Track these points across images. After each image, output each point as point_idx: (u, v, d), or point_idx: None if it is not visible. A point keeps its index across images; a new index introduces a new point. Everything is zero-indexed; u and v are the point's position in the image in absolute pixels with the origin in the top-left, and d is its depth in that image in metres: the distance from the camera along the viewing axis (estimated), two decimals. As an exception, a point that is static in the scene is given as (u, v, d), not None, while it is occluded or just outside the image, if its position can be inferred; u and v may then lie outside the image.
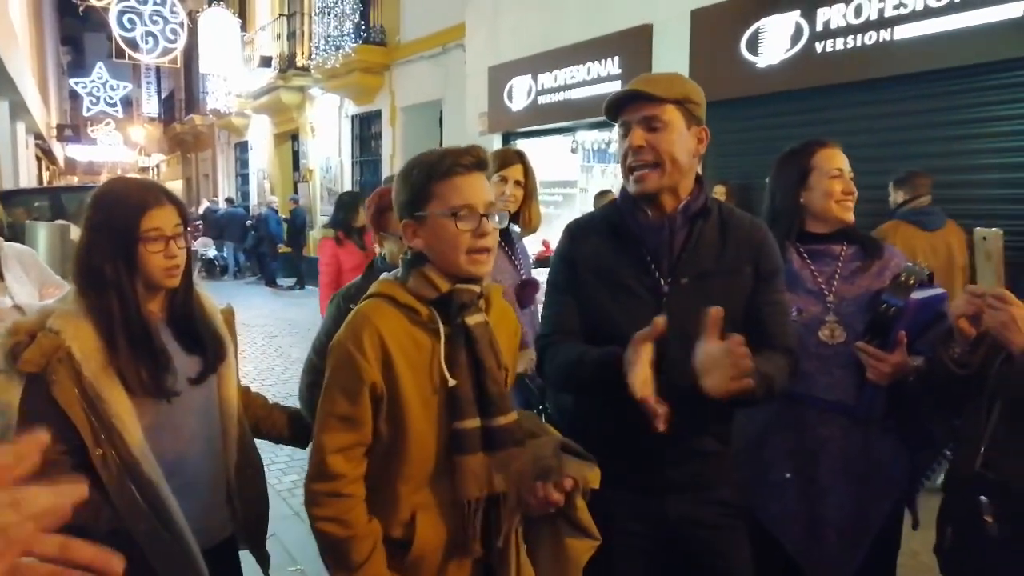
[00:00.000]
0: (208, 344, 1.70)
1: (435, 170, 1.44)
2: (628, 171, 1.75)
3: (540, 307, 2.89)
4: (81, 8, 18.55)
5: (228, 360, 1.77)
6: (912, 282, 1.90)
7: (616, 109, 1.75)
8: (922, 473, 2.09)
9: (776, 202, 2.14)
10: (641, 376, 1.49)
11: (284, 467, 4.76)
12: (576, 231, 1.89)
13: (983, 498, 1.57)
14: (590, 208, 8.27)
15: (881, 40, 4.97)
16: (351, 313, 1.48)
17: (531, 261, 3.07)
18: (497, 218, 1.50)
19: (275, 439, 2.00)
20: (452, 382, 1.44)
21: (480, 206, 1.44)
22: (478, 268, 1.46)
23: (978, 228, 1.67)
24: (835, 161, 2.05)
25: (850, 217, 2.05)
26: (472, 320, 1.48)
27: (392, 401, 1.43)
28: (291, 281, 14.58)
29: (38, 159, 19.59)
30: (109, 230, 1.52)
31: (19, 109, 11.90)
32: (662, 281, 1.71)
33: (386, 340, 1.41)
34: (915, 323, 1.91)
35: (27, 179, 14.42)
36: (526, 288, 2.75)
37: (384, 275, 1.56)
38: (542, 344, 1.87)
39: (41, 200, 9.77)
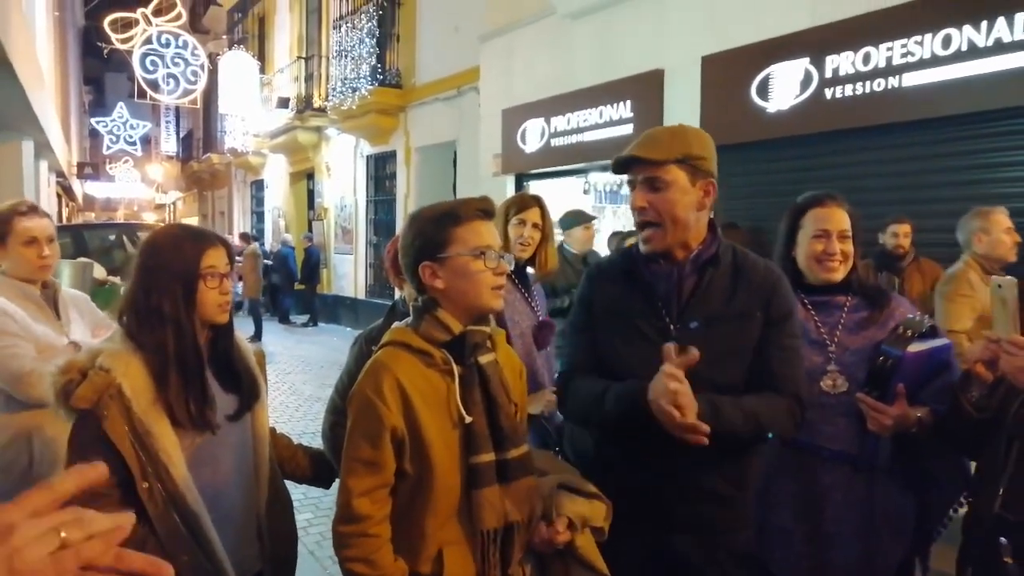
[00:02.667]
0: (244, 383, 1.78)
1: (455, 217, 1.57)
2: (637, 227, 1.84)
3: (555, 348, 2.96)
4: (105, 51, 19.04)
5: (261, 399, 1.84)
6: (910, 334, 1.92)
7: (622, 166, 1.83)
8: (938, 522, 2.10)
9: (776, 254, 2.21)
10: (673, 401, 1.55)
11: (298, 505, 4.78)
12: (595, 275, 1.99)
13: (1003, 539, 1.60)
14: (602, 249, 8.37)
15: (890, 87, 5.07)
16: (369, 362, 1.58)
17: (546, 302, 3.13)
18: (504, 258, 1.62)
19: (299, 479, 2.06)
20: (468, 419, 1.53)
21: (496, 247, 1.58)
22: (497, 302, 1.59)
23: (994, 276, 1.73)
24: (822, 221, 2.07)
25: (833, 278, 2.06)
26: (484, 359, 1.59)
27: (415, 441, 1.51)
28: (304, 318, 14.68)
29: (59, 196, 19.93)
30: (170, 269, 1.63)
31: (43, 148, 12.15)
32: (671, 325, 1.77)
33: (404, 385, 1.50)
34: (917, 374, 1.93)
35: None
36: (543, 330, 2.81)
37: (396, 324, 1.66)
38: (563, 380, 1.96)
39: (64, 238, 10.00)
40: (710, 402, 1.63)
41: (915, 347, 1.90)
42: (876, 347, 1.98)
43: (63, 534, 0.60)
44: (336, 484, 1.65)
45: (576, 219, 5.18)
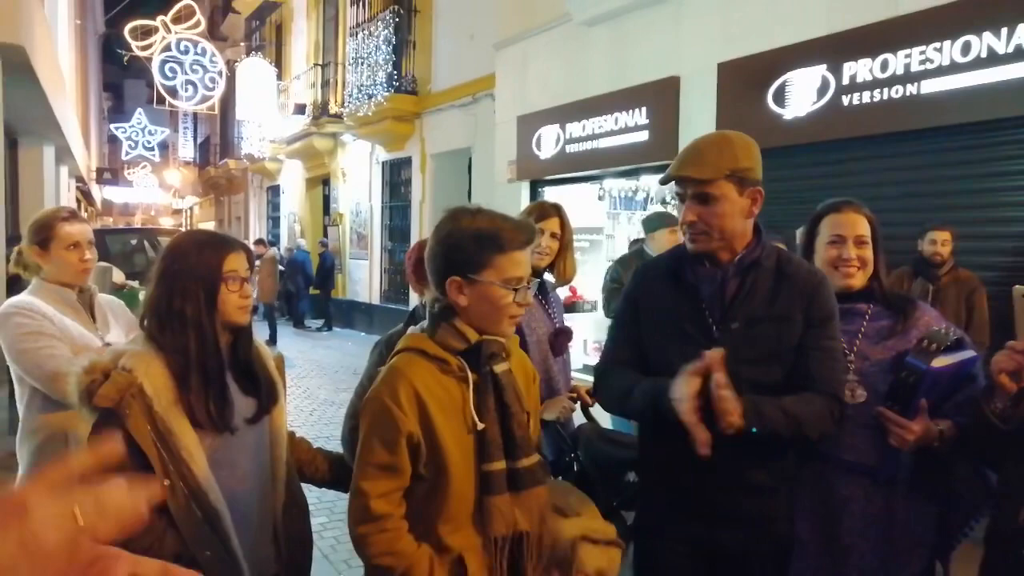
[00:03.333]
0: (263, 386, 1.80)
1: (499, 244, 1.54)
2: (684, 235, 1.86)
3: (571, 355, 2.96)
4: (125, 58, 19.27)
5: (280, 403, 1.86)
6: (935, 347, 1.87)
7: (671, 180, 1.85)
8: (958, 531, 2.07)
9: None
10: (689, 402, 1.59)
11: (312, 509, 4.80)
12: (643, 274, 2.03)
13: None
14: (617, 253, 8.36)
15: (908, 94, 5.04)
16: (385, 367, 1.60)
17: (563, 309, 3.13)
18: (530, 289, 1.63)
19: (317, 483, 2.07)
20: (481, 425, 1.54)
21: (526, 278, 1.58)
22: (510, 330, 1.61)
23: (1017, 286, 1.71)
24: (838, 227, 2.05)
25: (850, 283, 2.03)
26: (499, 368, 1.60)
27: (430, 447, 1.52)
28: (319, 323, 14.75)
29: (78, 201, 20.16)
30: (192, 273, 1.66)
31: (63, 153, 12.32)
32: (714, 326, 1.81)
33: (420, 391, 1.51)
34: (941, 387, 1.89)
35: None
36: (559, 337, 2.81)
37: (412, 329, 1.67)
38: (600, 371, 2.02)
39: None
40: (752, 403, 1.65)
41: (940, 361, 1.86)
42: (898, 358, 1.95)
43: (79, 515, 0.58)
44: None
45: (661, 221, 4.89)
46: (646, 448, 2.02)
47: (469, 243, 1.56)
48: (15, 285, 2.58)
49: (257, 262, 12.44)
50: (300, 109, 15.79)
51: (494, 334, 1.59)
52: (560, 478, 2.60)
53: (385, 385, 1.54)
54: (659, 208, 8.14)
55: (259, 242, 13.62)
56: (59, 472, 0.61)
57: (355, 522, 1.54)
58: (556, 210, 2.88)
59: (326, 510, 4.85)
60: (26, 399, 2.44)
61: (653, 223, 4.93)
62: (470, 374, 1.57)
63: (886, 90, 5.17)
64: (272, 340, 12.48)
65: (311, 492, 2.07)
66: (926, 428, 1.84)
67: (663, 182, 1.89)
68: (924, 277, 4.71)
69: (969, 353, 1.95)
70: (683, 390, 1.61)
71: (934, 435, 1.86)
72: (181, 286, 1.65)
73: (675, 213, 4.22)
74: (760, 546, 1.86)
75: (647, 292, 1.95)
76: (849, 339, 2.03)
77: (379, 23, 12.30)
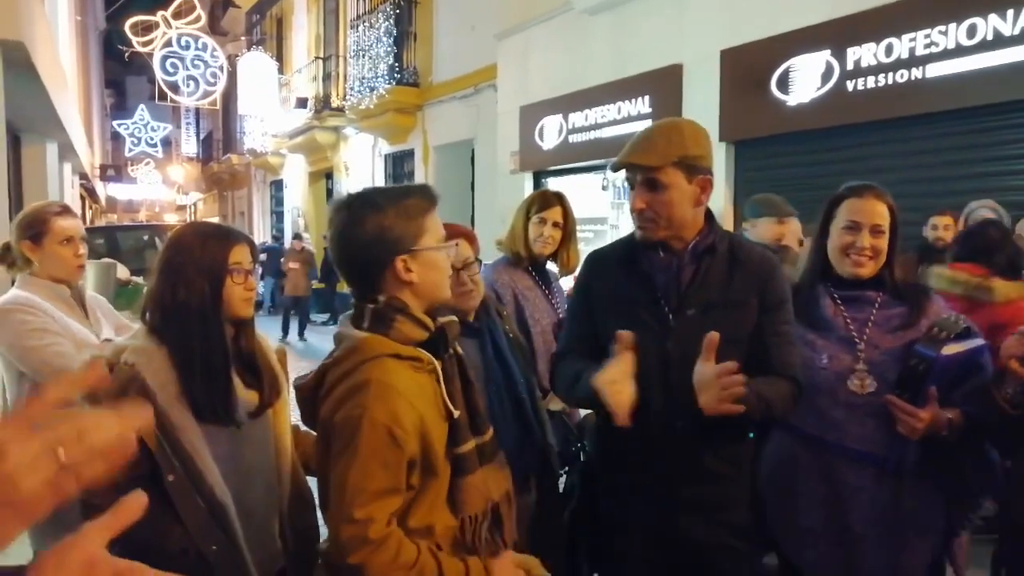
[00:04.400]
0: (266, 380, 1.79)
1: (419, 207, 1.50)
2: (633, 218, 1.88)
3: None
4: (127, 54, 19.26)
5: (283, 397, 1.85)
6: (945, 335, 1.86)
7: (620, 167, 1.87)
8: (963, 519, 2.06)
9: (812, 246, 2.19)
10: (607, 376, 1.64)
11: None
12: (594, 262, 2.03)
13: None
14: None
15: (912, 78, 5.01)
16: (362, 379, 1.42)
17: (567, 299, 3.11)
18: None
19: None
20: (457, 413, 1.50)
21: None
22: (455, 295, 1.62)
23: None
24: (855, 213, 2.00)
25: (860, 272, 1.99)
26: (459, 349, 1.60)
27: (425, 459, 1.45)
28: (324, 316, 14.76)
29: (82, 198, 20.18)
30: (197, 265, 1.65)
31: (67, 150, 12.32)
32: (669, 314, 1.82)
33: (416, 404, 1.42)
34: (950, 375, 1.88)
35: (72, 218, 14.82)
36: (564, 327, 2.80)
37: (359, 334, 1.49)
38: (555, 361, 2.04)
39: (98, 238, 10.69)
40: (761, 398, 1.69)
41: (950, 348, 1.85)
42: (908, 348, 1.93)
43: (61, 453, 0.52)
44: None
45: (765, 208, 4.31)
46: (605, 442, 2.02)
47: (397, 219, 1.47)
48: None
49: (290, 263, 12.52)
50: (302, 103, 15.76)
51: (444, 302, 1.57)
52: (567, 468, 2.59)
53: (381, 404, 1.39)
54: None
55: (296, 237, 13.56)
56: (37, 407, 0.55)
57: (350, 552, 1.37)
58: (559, 199, 2.87)
59: (333, 503, 4.85)
60: (19, 395, 2.38)
61: (757, 210, 4.42)
62: (436, 363, 1.51)
63: (891, 74, 5.13)
64: (300, 334, 12.59)
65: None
66: (935, 416, 1.83)
67: (614, 169, 1.90)
68: (928, 263, 4.68)
69: (978, 341, 1.93)
70: (608, 374, 1.64)
71: (943, 423, 1.84)
72: (186, 278, 1.64)
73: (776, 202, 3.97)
74: (719, 536, 1.85)
75: (600, 281, 1.95)
76: (859, 327, 2.00)
77: (380, 15, 12.26)
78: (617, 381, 1.64)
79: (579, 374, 1.81)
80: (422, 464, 1.47)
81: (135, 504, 0.57)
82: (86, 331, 2.44)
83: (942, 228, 4.69)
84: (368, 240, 1.47)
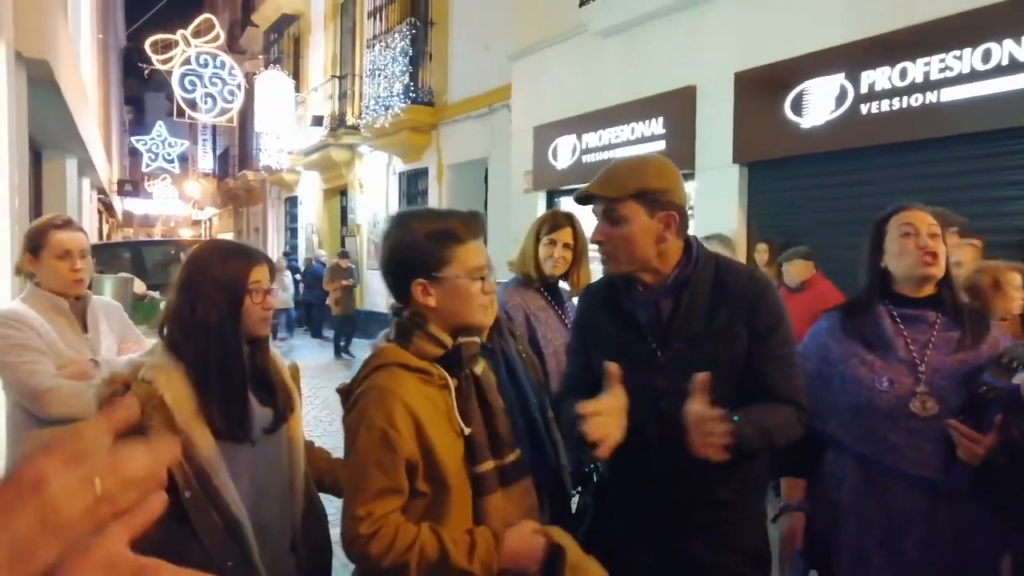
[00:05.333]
0: (279, 396, 1.81)
1: (455, 236, 1.55)
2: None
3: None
4: (146, 72, 19.53)
5: (296, 413, 1.87)
6: (1016, 365, 1.82)
7: (584, 199, 1.86)
8: (1015, 545, 2.01)
9: (863, 266, 2.16)
10: (591, 407, 1.59)
11: (333, 519, 4.80)
12: (586, 298, 2.04)
13: None
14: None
15: (927, 102, 5.01)
16: (368, 387, 1.53)
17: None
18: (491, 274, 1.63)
19: (337, 492, 2.06)
20: (467, 431, 1.54)
21: (488, 266, 1.59)
22: (487, 317, 1.61)
23: None
24: (907, 219, 2.01)
25: (933, 272, 1.97)
26: (478, 369, 1.62)
27: (427, 462, 1.50)
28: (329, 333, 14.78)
29: (99, 212, 20.40)
30: (218, 283, 1.67)
31: (86, 166, 12.47)
32: (656, 349, 1.79)
33: (413, 409, 1.48)
34: (1011, 405, 1.85)
35: (89, 232, 14.98)
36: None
37: (381, 343, 1.62)
38: (555, 403, 2.02)
39: (125, 253, 11.02)
40: (761, 430, 1.68)
41: (1019, 378, 1.82)
42: (971, 372, 1.91)
43: (98, 484, 0.55)
44: None
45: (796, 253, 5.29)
46: (607, 467, 2.00)
47: (425, 243, 1.54)
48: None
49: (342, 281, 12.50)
50: (318, 121, 15.90)
51: (470, 327, 1.58)
52: (580, 488, 2.58)
53: (377, 407, 1.48)
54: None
55: (343, 255, 13.46)
56: (73, 442, 0.57)
57: (350, 543, 1.48)
58: (569, 220, 2.88)
59: (343, 520, 4.85)
60: (8, 414, 2.41)
61: (788, 255, 5.34)
62: (450, 380, 1.56)
63: (905, 98, 5.14)
64: (341, 350, 12.61)
65: (331, 503, 2.07)
66: (997, 443, 1.81)
67: (578, 201, 1.87)
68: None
69: None
70: (592, 405, 1.59)
71: (1003, 451, 1.83)
72: (205, 296, 1.66)
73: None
74: (727, 561, 1.82)
75: (591, 317, 1.95)
76: (919, 349, 1.98)
77: (396, 35, 12.39)
78: (603, 414, 1.58)
79: (566, 411, 1.80)
80: (426, 470, 1.50)
81: (156, 503, 0.60)
82: (78, 346, 2.42)
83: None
84: (394, 258, 1.58)
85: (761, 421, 1.68)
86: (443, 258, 1.54)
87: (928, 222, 1.99)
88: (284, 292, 13.62)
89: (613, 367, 1.63)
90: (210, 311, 1.65)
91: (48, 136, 9.25)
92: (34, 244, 2.43)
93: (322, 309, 15.05)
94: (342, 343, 12.55)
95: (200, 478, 1.56)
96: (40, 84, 6.45)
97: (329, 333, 14.95)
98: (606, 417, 1.58)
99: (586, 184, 1.83)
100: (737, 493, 1.82)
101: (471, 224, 1.58)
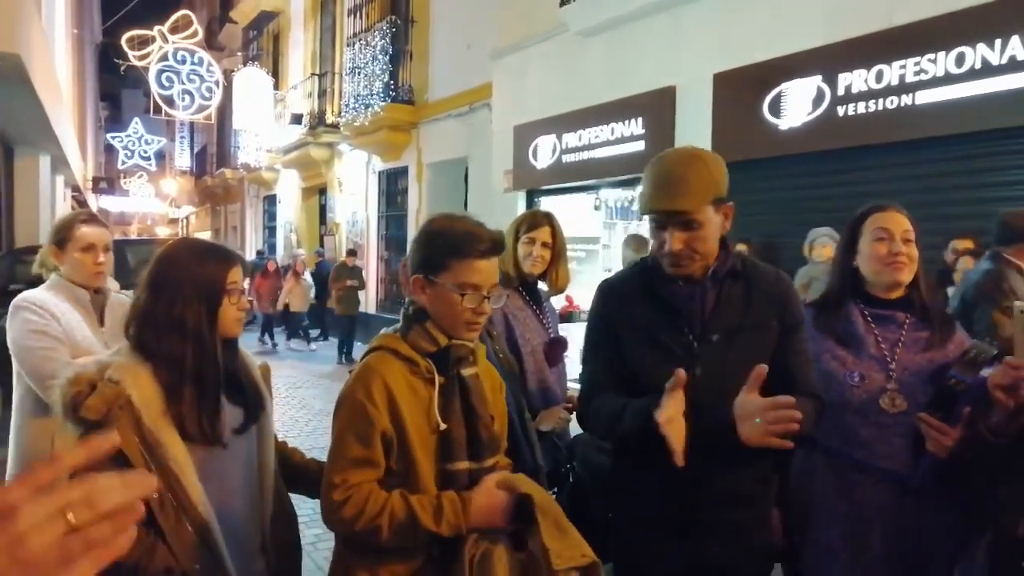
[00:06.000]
0: (249, 396, 1.78)
1: (458, 247, 1.60)
2: (660, 257, 1.84)
3: (568, 365, 2.94)
4: (122, 68, 19.29)
5: (267, 413, 1.84)
6: (981, 359, 1.88)
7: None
8: (975, 541, 2.06)
9: (835, 264, 2.21)
10: (666, 414, 1.59)
11: (307, 520, 4.76)
12: (611, 291, 2.00)
13: None
14: (613, 263, 8.35)
15: (903, 104, 5.06)
16: (359, 366, 1.66)
17: (558, 319, 3.11)
18: (496, 298, 1.67)
19: (311, 493, 2.04)
20: (443, 426, 1.60)
21: (485, 288, 1.62)
22: (471, 336, 1.65)
23: (1017, 302, 1.71)
24: (883, 222, 2.03)
25: (901, 277, 2.01)
26: (467, 372, 1.67)
27: (400, 442, 1.57)
28: (315, 332, 14.69)
29: (73, 210, 20.14)
30: (194, 283, 1.65)
31: (59, 163, 12.32)
32: (693, 341, 1.81)
33: (392, 389, 1.56)
34: (977, 399, 1.88)
35: (63, 230, 14.79)
36: (554, 347, 2.79)
37: (385, 329, 1.73)
38: (582, 396, 1.99)
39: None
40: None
41: (985, 372, 1.87)
42: (939, 369, 1.95)
43: (71, 516, 0.54)
44: None
45: (636, 241, 5.04)
46: (627, 468, 1.98)
47: (434, 244, 1.64)
48: (35, 286, 2.63)
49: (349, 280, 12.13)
50: (297, 119, 15.81)
51: (456, 338, 1.64)
52: (556, 489, 2.58)
53: (359, 383, 1.58)
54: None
55: (351, 252, 13.19)
56: (48, 470, 0.56)
57: (326, 511, 1.58)
58: (547, 219, 2.87)
59: (321, 522, 4.81)
60: (19, 399, 2.47)
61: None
62: (437, 376, 1.62)
63: (881, 101, 5.19)
64: (342, 348, 12.17)
65: (306, 504, 2.05)
66: (964, 436, 1.84)
67: (646, 213, 1.84)
68: (950, 287, 4.69)
69: None
70: (667, 412, 1.59)
71: (970, 444, 1.85)
72: (182, 296, 1.63)
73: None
74: (743, 562, 1.86)
75: (622, 310, 1.92)
76: (890, 347, 2.02)
77: (376, 33, 12.34)
78: (674, 420, 1.60)
79: (620, 412, 1.77)
80: (399, 446, 1.57)
81: (124, 540, 0.58)
82: (93, 339, 2.50)
83: (961, 251, 4.69)
84: (413, 247, 1.69)
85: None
86: (442, 264, 1.61)
87: (903, 227, 2.02)
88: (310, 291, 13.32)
89: (680, 373, 1.61)
90: (186, 311, 1.62)
91: (20, 132, 9.11)
92: (60, 237, 2.55)
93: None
94: (344, 349, 12.11)
95: (167, 480, 1.53)
96: (11, 79, 6.35)
97: (311, 332, 14.85)
98: (677, 422, 1.60)
99: (654, 203, 1.78)
100: (759, 485, 1.86)
101: (481, 242, 1.61)
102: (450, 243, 1.61)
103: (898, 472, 1.94)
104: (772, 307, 1.83)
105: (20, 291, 2.58)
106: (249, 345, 11.96)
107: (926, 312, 2.05)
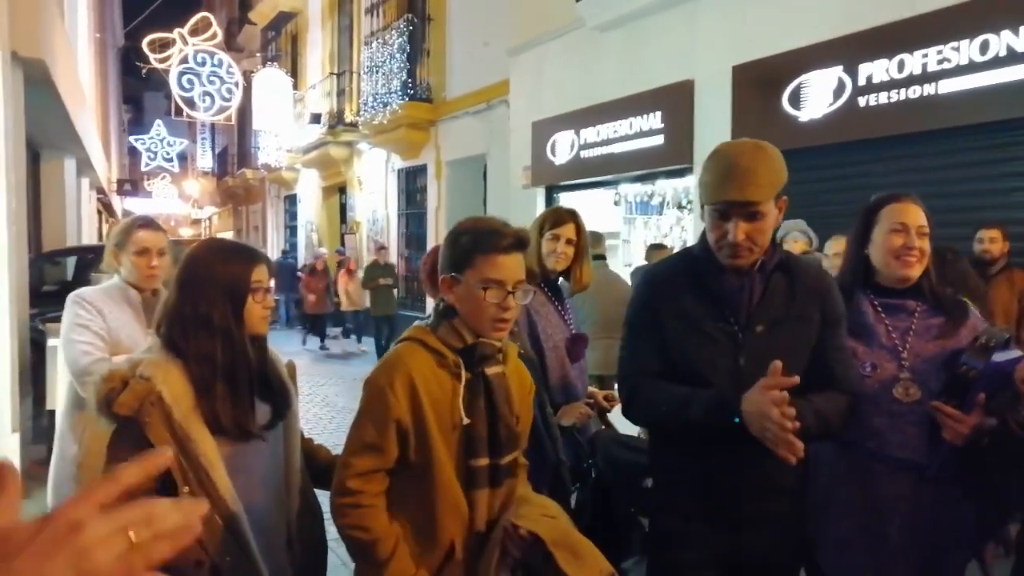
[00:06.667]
0: (277, 393, 1.81)
1: (481, 243, 1.63)
2: (720, 248, 1.83)
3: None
4: (144, 71, 19.51)
5: (293, 410, 1.87)
6: (993, 344, 1.87)
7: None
8: (993, 530, 2.04)
9: (847, 253, 2.19)
10: (783, 421, 1.60)
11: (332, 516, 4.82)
12: (657, 279, 2.01)
13: None
14: (633, 258, 8.33)
15: (925, 94, 5.00)
16: (389, 353, 1.72)
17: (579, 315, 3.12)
18: (523, 295, 1.68)
19: None
20: (466, 420, 1.63)
21: (509, 283, 1.63)
22: (498, 335, 1.67)
23: None
24: (899, 215, 2.01)
25: (911, 273, 2.00)
26: (491, 371, 1.70)
27: (418, 435, 1.61)
28: (337, 331, 14.79)
29: (99, 212, 20.41)
30: (220, 283, 1.69)
31: (84, 166, 12.48)
32: (739, 331, 1.83)
33: (415, 381, 1.60)
34: (995, 384, 1.87)
35: (88, 232, 15.03)
36: (576, 343, 2.80)
37: (417, 322, 1.77)
38: (629, 384, 1.99)
39: None
40: (820, 416, 1.74)
41: (998, 357, 1.86)
42: (951, 356, 1.94)
43: (132, 534, 0.57)
44: None
45: (657, 251, 5.21)
46: (667, 459, 2.00)
47: (459, 243, 1.68)
48: (69, 288, 2.85)
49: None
50: (316, 118, 15.90)
51: (483, 337, 1.67)
52: (578, 484, 2.59)
53: (385, 370, 1.64)
54: (677, 212, 8.13)
55: (382, 248, 13.03)
56: (109, 488, 0.59)
57: (335, 492, 1.65)
58: (572, 216, 2.87)
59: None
60: (67, 390, 2.64)
61: None
62: (463, 372, 1.65)
63: (903, 90, 5.13)
64: (380, 350, 11.99)
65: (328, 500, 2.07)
66: (981, 422, 1.83)
67: (712, 203, 1.81)
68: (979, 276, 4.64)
69: (1018, 352, 1.92)
70: (773, 410, 1.59)
71: (986, 430, 1.84)
72: (208, 295, 1.68)
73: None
74: (780, 553, 1.89)
75: (668, 298, 1.92)
76: (901, 336, 2.01)
77: (393, 32, 12.37)
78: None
79: (686, 400, 1.78)
80: (417, 438, 1.61)
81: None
82: (140, 339, 2.60)
83: (987, 241, 4.69)
84: (443, 250, 1.73)
85: (822, 407, 1.75)
86: (467, 261, 1.65)
87: (919, 221, 2.00)
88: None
89: (777, 364, 1.62)
90: (213, 310, 1.67)
91: (46, 136, 9.24)
92: (119, 240, 2.71)
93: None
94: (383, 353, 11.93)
95: (197, 474, 1.57)
96: (37, 84, 6.44)
97: (330, 331, 14.95)
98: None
99: (724, 193, 1.77)
100: (795, 476, 1.86)
101: (503, 238, 1.65)
102: (474, 240, 1.65)
103: (914, 461, 1.93)
104: (814, 301, 1.86)
105: (52, 293, 2.69)
106: (292, 347, 11.97)
107: (937, 299, 2.04)
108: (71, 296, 2.64)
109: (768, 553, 1.86)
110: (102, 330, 2.57)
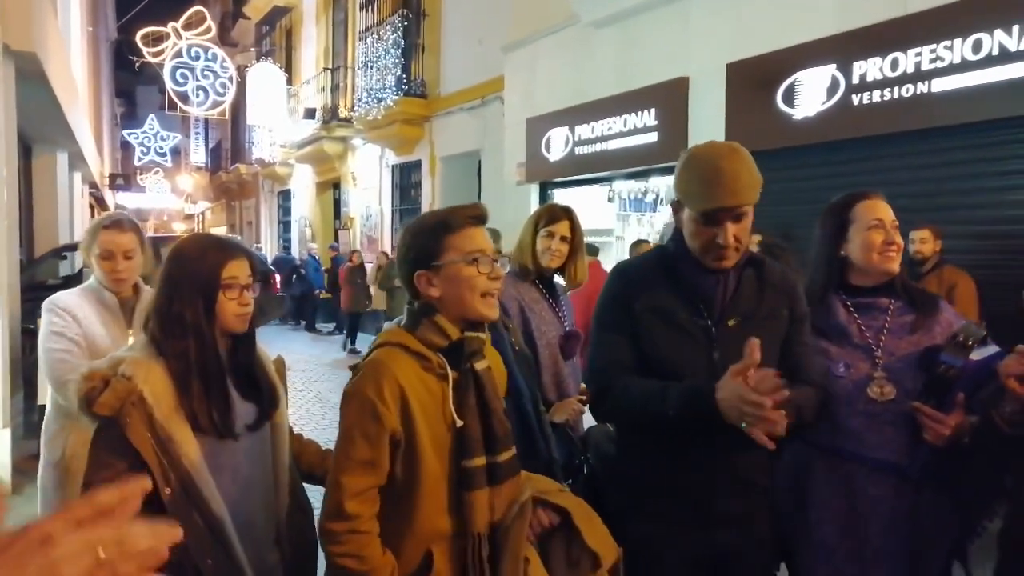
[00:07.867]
0: (264, 391, 1.79)
1: (448, 225, 1.60)
2: (707, 252, 1.83)
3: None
4: (137, 64, 19.42)
5: (281, 408, 1.85)
6: (971, 342, 1.85)
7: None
8: (974, 529, 2.04)
9: (817, 254, 2.16)
10: (766, 407, 1.56)
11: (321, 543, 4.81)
12: (630, 273, 2.00)
13: None
14: (627, 255, 8.33)
15: (918, 92, 5.00)
16: (367, 361, 1.60)
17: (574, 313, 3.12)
18: (503, 263, 1.63)
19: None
20: (460, 423, 1.56)
21: (489, 251, 1.60)
22: (490, 311, 1.60)
23: None
24: (875, 211, 2.02)
25: (893, 267, 2.01)
26: (480, 366, 1.63)
27: (408, 446, 1.54)
28: (331, 326, 14.79)
29: (91, 207, 20.31)
30: (192, 279, 1.65)
31: (77, 160, 12.41)
32: (712, 326, 1.84)
33: (404, 387, 1.52)
34: (970, 382, 1.87)
35: (81, 227, 14.94)
36: (570, 340, 2.80)
37: (388, 324, 1.70)
38: (601, 381, 1.95)
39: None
40: (794, 406, 1.72)
41: (976, 355, 1.85)
42: (927, 353, 1.93)
43: (101, 552, 0.59)
44: None
45: (639, 247, 5.13)
46: (635, 460, 1.98)
47: (423, 236, 1.63)
48: (68, 283, 2.75)
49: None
50: (310, 113, 15.86)
51: (474, 318, 1.60)
52: (570, 481, 2.59)
53: (369, 379, 1.53)
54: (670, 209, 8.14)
55: (286, 249, 12.99)
56: (84, 507, 0.62)
57: (327, 516, 1.55)
58: (566, 213, 2.87)
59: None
60: (51, 400, 2.59)
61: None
62: (450, 371, 1.59)
63: (896, 89, 5.13)
64: (349, 345, 12.18)
65: (318, 495, 2.07)
66: (962, 422, 1.82)
67: (704, 210, 1.79)
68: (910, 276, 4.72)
69: (995, 348, 1.92)
70: (748, 392, 1.56)
71: (967, 429, 1.83)
72: (180, 291, 1.64)
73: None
74: (756, 551, 1.92)
75: (641, 293, 1.92)
76: (874, 334, 2.00)
77: (388, 27, 12.35)
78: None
79: (660, 393, 1.76)
80: (405, 452, 1.53)
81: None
82: (118, 339, 2.56)
83: (919, 242, 4.84)
84: (400, 253, 1.68)
85: (795, 398, 1.72)
86: (439, 247, 1.59)
87: (890, 216, 2.03)
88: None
89: (754, 341, 1.60)
90: (185, 306, 1.63)
91: (38, 130, 9.19)
92: (87, 241, 2.61)
93: (314, 302, 14.96)
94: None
95: (180, 475, 1.54)
96: (29, 78, 6.41)
97: (323, 327, 14.95)
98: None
99: (716, 200, 1.75)
100: (765, 476, 1.89)
101: (465, 211, 1.63)
102: (437, 226, 1.61)
103: (893, 462, 1.92)
104: (783, 297, 1.90)
105: (56, 286, 2.66)
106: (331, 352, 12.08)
107: (909, 295, 2.04)
108: (45, 303, 2.56)
109: (743, 551, 1.88)
110: (78, 336, 2.49)
